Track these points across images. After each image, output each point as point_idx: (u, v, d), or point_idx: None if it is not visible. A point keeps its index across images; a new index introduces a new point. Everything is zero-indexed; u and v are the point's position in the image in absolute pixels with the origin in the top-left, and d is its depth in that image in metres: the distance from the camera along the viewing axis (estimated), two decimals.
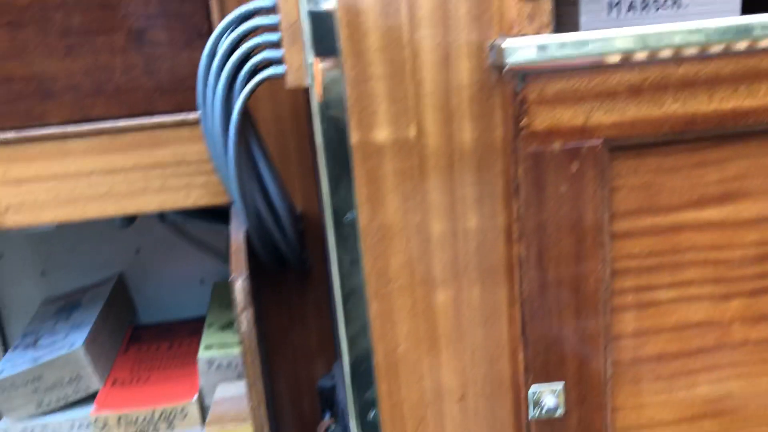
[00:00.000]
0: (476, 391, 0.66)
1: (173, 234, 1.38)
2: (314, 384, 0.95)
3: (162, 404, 1.12)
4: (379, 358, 0.64)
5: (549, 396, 0.64)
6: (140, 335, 1.35)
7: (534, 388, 0.64)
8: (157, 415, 1.12)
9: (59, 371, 1.14)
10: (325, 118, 0.58)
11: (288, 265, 0.91)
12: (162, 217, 1.13)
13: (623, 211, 0.61)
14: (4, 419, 1.15)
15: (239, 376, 1.16)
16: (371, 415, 0.66)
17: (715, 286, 0.64)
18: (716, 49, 0.56)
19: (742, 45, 0.56)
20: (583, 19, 0.68)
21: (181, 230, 1.37)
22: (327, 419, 0.88)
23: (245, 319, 0.65)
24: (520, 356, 0.64)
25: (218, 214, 1.11)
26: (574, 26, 0.66)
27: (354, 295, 0.63)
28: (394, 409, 0.66)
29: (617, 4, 0.68)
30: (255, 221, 0.82)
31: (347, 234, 0.61)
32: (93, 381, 1.16)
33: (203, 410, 1.13)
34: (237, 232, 0.79)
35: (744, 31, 0.56)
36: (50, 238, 1.39)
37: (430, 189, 0.60)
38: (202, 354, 1.15)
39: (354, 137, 0.58)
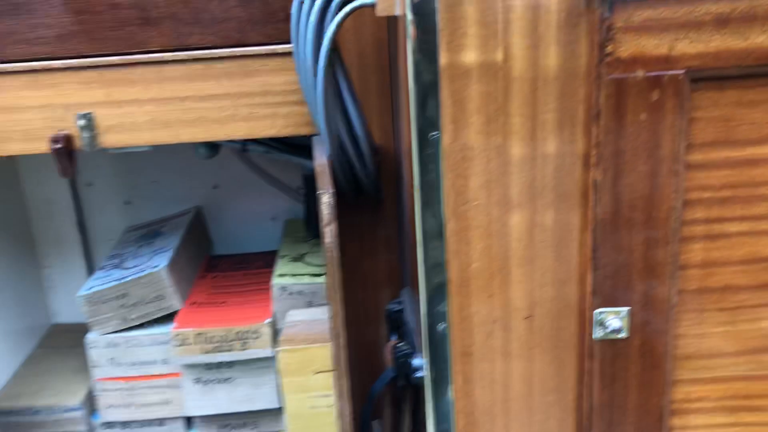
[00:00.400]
0: (543, 311, 0.70)
1: (250, 171, 1.44)
2: (380, 312, 0.99)
3: (237, 325, 1.19)
4: (452, 274, 0.68)
5: (614, 319, 0.67)
6: (216, 264, 1.43)
7: (600, 311, 0.67)
8: (232, 335, 1.20)
9: (143, 289, 1.23)
10: (417, 40, 0.61)
11: (364, 195, 0.95)
12: (244, 148, 1.18)
13: (700, 142, 0.63)
14: (91, 332, 1.25)
15: (309, 304, 1.23)
16: (441, 327, 0.70)
17: None
18: None
19: None
20: None
21: (258, 167, 1.43)
22: (393, 341, 0.93)
23: (330, 231, 0.70)
24: (589, 280, 0.67)
25: (297, 148, 1.16)
26: None
27: (433, 212, 0.66)
28: (463, 323, 0.70)
29: None
30: (337, 149, 0.86)
31: (430, 153, 0.64)
32: (174, 301, 1.24)
33: (275, 333, 1.20)
34: (321, 157, 0.83)
35: None
36: (135, 170, 1.48)
37: (512, 113, 0.63)
38: (276, 281, 1.22)
39: (443, 59, 0.62)
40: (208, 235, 1.52)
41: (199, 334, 1.20)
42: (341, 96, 0.85)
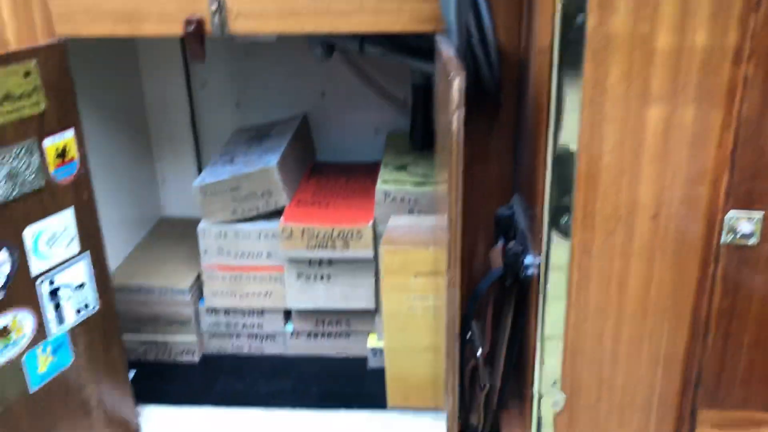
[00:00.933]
0: (670, 211, 0.69)
1: (357, 80, 1.45)
2: (489, 217, 1.00)
3: (340, 224, 1.23)
4: (581, 167, 0.68)
5: (746, 223, 0.65)
6: (320, 169, 1.47)
7: (732, 214, 0.66)
8: (335, 233, 1.24)
9: (255, 184, 1.28)
10: None
11: (484, 96, 0.94)
12: (362, 47, 1.19)
13: None
14: (203, 221, 1.31)
15: (410, 212, 1.25)
16: (564, 220, 0.70)
17: None
18: None
19: None
20: None
21: (366, 75, 1.44)
22: (500, 244, 0.94)
23: (457, 118, 0.70)
24: (723, 181, 0.65)
25: (413, 51, 1.16)
26: None
27: (567, 100, 0.66)
28: (587, 218, 0.70)
29: None
30: (465, 45, 0.86)
31: (573, 39, 0.63)
32: (281, 197, 1.29)
33: (376, 235, 1.23)
34: (448, 50, 0.83)
35: None
36: (246, 73, 1.52)
37: (663, 0, 0.61)
38: (380, 186, 1.24)
39: None
40: (312, 142, 1.55)
41: (305, 230, 1.24)
42: None
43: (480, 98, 0.95)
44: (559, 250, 0.71)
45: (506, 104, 0.98)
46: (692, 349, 0.74)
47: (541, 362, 0.78)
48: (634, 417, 0.78)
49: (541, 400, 0.79)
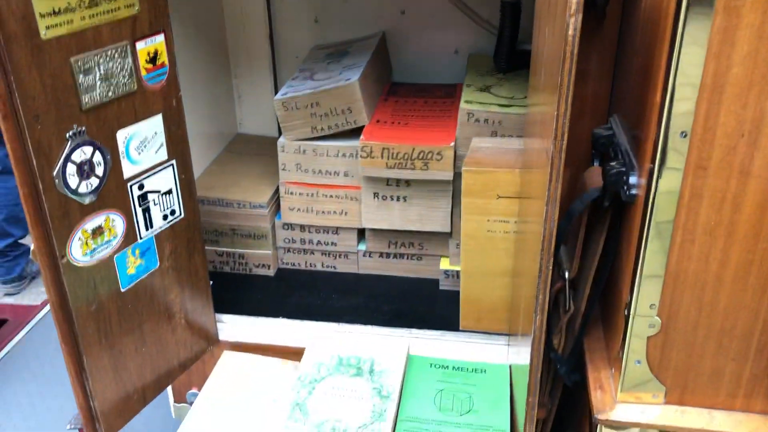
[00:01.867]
0: None
1: None
2: (585, 137, 0.96)
3: (421, 144, 1.21)
4: (706, 78, 0.64)
5: None
6: (397, 90, 1.44)
7: None
8: (416, 153, 1.22)
9: (335, 100, 1.26)
10: None
11: (589, 4, 0.90)
12: None
13: None
14: (282, 136, 1.31)
15: (494, 134, 1.22)
16: (682, 134, 0.67)
17: None
18: None
19: None
20: None
21: None
22: (596, 166, 0.91)
23: (573, 23, 0.67)
24: None
25: None
26: None
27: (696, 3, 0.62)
28: (706, 134, 0.67)
29: None
30: None
31: None
32: (362, 115, 1.27)
33: (457, 157, 1.21)
34: None
35: None
36: None
37: None
38: (464, 106, 1.21)
39: None
40: (390, 62, 1.52)
41: (385, 148, 1.23)
42: None
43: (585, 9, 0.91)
44: (672, 170, 0.68)
45: (610, 18, 0.94)
46: None
47: (639, 287, 0.76)
48: (733, 344, 0.76)
49: (636, 322, 0.78)
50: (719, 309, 0.75)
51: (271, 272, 1.39)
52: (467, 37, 1.47)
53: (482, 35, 1.45)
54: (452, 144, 1.21)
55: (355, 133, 1.28)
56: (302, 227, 1.37)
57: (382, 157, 1.24)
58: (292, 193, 1.34)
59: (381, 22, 1.50)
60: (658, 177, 0.70)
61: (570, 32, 0.68)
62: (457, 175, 1.20)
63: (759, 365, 0.76)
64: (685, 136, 0.67)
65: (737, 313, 0.74)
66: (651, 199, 0.71)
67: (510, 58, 1.31)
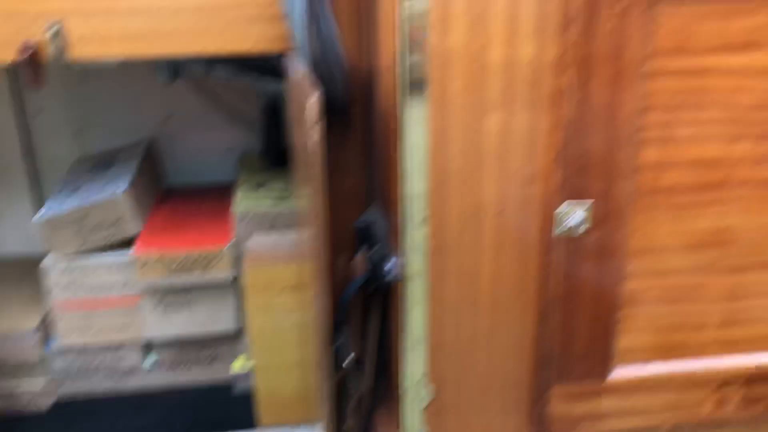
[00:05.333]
0: (511, 209, 0.76)
1: (205, 100, 1.44)
2: (348, 227, 1.03)
3: (198, 248, 1.21)
4: (432, 173, 0.74)
5: (575, 213, 0.74)
6: (172, 194, 1.44)
7: (563, 206, 0.74)
8: (193, 258, 1.22)
9: (102, 213, 1.23)
10: None
11: (334, 112, 0.98)
12: (208, 70, 1.19)
13: (660, 50, 0.69)
14: (49, 255, 1.24)
15: (271, 228, 1.26)
16: (420, 223, 0.75)
17: (728, 127, 0.73)
18: None
19: None
20: None
21: (214, 97, 1.43)
22: (362, 253, 0.98)
23: (316, 132, 0.73)
24: (554, 178, 0.73)
25: (261, 71, 1.18)
26: None
27: (414, 112, 0.71)
28: (440, 219, 0.76)
29: None
30: (312, 63, 0.89)
31: (416, 56, 0.69)
32: (133, 225, 1.25)
33: (236, 258, 1.23)
34: (298, 69, 0.86)
35: None
36: (87, 98, 1.45)
37: (492, 17, 0.68)
38: (238, 205, 1.24)
39: None
40: (162, 166, 1.52)
41: (162, 256, 1.21)
42: (317, 11, 0.88)
43: (331, 113, 0.99)
44: (417, 252, 0.76)
45: (357, 118, 1.03)
46: (539, 332, 0.81)
47: (407, 361, 0.83)
48: (495, 400, 0.85)
49: (410, 397, 0.83)
50: (478, 372, 0.83)
51: (46, 407, 1.28)
52: (238, 136, 1.51)
53: (253, 132, 1.50)
54: (229, 244, 1.23)
55: (129, 242, 1.25)
56: (79, 351, 1.29)
57: (158, 266, 1.22)
58: (65, 314, 1.26)
59: (148, 127, 1.50)
60: (407, 259, 0.77)
61: (312, 142, 0.74)
62: (240, 274, 1.21)
63: (519, 417, 0.85)
64: (423, 220, 0.75)
65: (493, 373, 0.83)
66: (406, 279, 0.79)
67: (279, 154, 1.38)
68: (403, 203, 0.75)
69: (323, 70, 0.92)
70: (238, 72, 1.19)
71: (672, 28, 0.69)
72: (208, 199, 1.41)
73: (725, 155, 0.74)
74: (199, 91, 1.43)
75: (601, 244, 0.76)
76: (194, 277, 1.23)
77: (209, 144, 1.50)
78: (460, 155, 0.73)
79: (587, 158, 0.72)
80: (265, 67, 1.15)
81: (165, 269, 1.21)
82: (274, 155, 1.37)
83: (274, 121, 1.33)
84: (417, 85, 0.70)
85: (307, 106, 0.72)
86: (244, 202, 1.24)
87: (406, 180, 0.74)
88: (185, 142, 1.50)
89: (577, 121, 0.70)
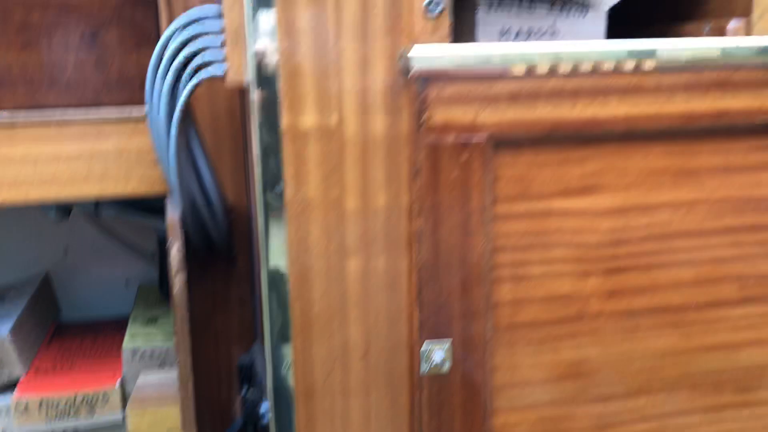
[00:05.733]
0: (378, 349, 0.77)
1: (101, 234, 1.43)
2: (233, 369, 1.03)
3: (84, 390, 1.17)
4: (295, 316, 0.75)
5: (438, 351, 0.76)
6: (64, 330, 1.39)
7: (426, 345, 0.75)
8: (78, 400, 1.17)
9: None
10: (262, 103, 0.69)
11: (216, 252, 0.99)
12: (97, 210, 1.19)
13: (503, 196, 0.74)
14: None
15: (161, 365, 1.23)
16: (285, 367, 0.76)
17: (576, 265, 0.78)
18: (583, 67, 0.71)
19: (604, 66, 0.72)
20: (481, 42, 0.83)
21: (110, 230, 1.43)
22: (243, 393, 0.97)
23: (179, 281, 0.74)
24: (416, 317, 0.75)
25: (151, 210, 1.19)
26: None
27: (276, 259, 0.73)
28: (306, 363, 0.76)
29: (507, 31, 0.83)
30: (190, 207, 0.91)
31: (275, 204, 0.71)
32: (16, 368, 1.20)
33: (125, 397, 1.19)
34: (173, 213, 0.88)
35: (603, 55, 0.71)
36: None
37: (346, 170, 0.72)
38: (127, 343, 1.21)
39: (284, 121, 0.70)
40: (56, 302, 1.48)
41: (43, 400, 1.16)
42: (194, 156, 0.91)
43: (214, 253, 1.00)
44: (282, 397, 0.76)
45: (241, 256, 1.04)
46: None
47: None
48: None
49: None
50: None
51: None
52: (136, 268, 1.50)
53: (151, 264, 1.49)
54: (117, 384, 1.19)
55: (13, 385, 1.20)
56: None
57: (39, 410, 1.16)
58: None
59: (43, 261, 1.47)
60: (273, 404, 0.76)
61: (176, 289, 0.74)
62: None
63: None
64: (288, 368, 0.75)
65: None
66: (274, 425, 0.77)
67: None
68: (268, 345, 0.75)
69: (202, 210, 0.94)
70: (125, 211, 1.20)
71: (513, 175, 0.74)
72: (102, 335, 1.37)
73: (577, 291, 0.78)
74: (95, 225, 1.42)
75: (466, 381, 0.77)
76: (79, 421, 1.17)
77: (107, 277, 1.48)
78: (324, 298, 0.75)
79: (444, 298, 0.74)
80: (152, 207, 1.17)
81: (46, 414, 1.16)
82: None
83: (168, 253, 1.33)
84: (278, 231, 0.72)
85: (170, 254, 0.73)
86: (134, 339, 1.22)
87: (267, 322, 0.74)
88: (83, 276, 1.47)
89: (431, 264, 0.73)
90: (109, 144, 0.96)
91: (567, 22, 0.84)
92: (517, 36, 0.83)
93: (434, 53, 0.68)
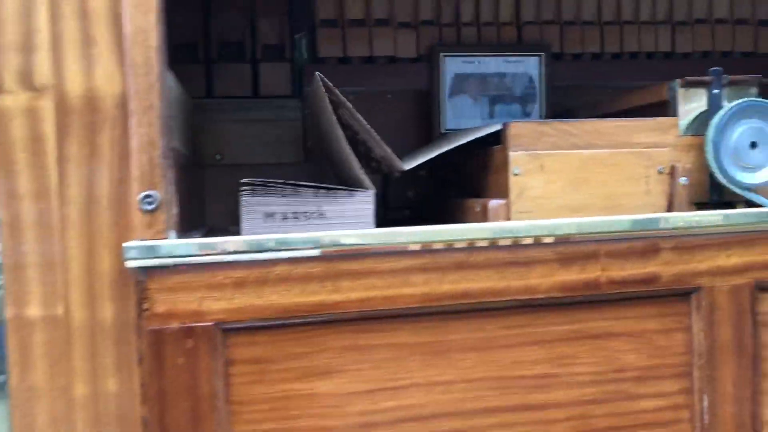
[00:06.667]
0: None
1: None
2: None
3: None
4: None
5: None
6: None
7: None
8: None
9: None
10: None
11: None
12: None
13: (239, 381, 0.74)
14: None
15: None
16: None
17: None
18: (309, 253, 0.73)
19: (332, 250, 0.73)
20: (245, 225, 0.85)
21: None
22: None
23: None
24: None
25: None
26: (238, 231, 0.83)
27: None
28: None
29: (272, 214, 0.86)
30: None
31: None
32: None
33: None
34: None
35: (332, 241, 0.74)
36: None
37: (75, 357, 0.72)
38: None
39: (9, 312, 0.71)
40: None
41: None
42: None
43: None
44: None
45: None
46: None
47: None
48: None
49: None
50: None
51: None
52: None
53: None
54: None
55: None
56: None
57: None
58: None
59: None
60: None
61: None
62: None
63: None
64: None
65: None
66: None
67: None
68: None
69: None
70: None
71: (250, 358, 0.74)
72: None
73: None
74: None
75: None
76: None
77: None
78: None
79: None
80: None
81: None
82: None
83: None
84: (1, 415, 0.72)
85: None
86: None
87: None
88: None
89: None
90: None
91: (335, 204, 0.86)
92: (284, 219, 0.85)
93: (150, 246, 0.70)
